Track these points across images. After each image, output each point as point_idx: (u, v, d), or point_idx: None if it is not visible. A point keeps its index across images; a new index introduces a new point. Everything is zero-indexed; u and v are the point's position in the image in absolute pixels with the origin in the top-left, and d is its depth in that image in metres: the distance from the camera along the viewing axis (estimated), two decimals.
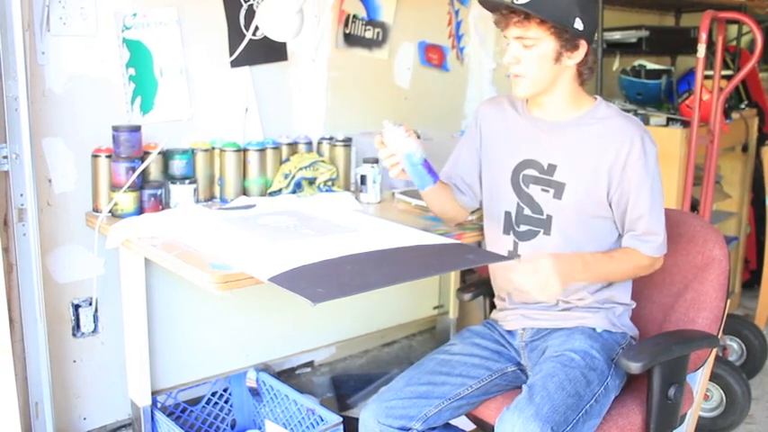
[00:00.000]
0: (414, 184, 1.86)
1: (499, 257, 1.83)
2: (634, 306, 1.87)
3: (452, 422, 1.82)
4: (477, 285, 2.09)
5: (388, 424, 1.69)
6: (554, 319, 1.81)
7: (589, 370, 1.66)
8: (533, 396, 1.56)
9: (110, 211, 2.01)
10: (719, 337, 1.83)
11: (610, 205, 1.75)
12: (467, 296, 2.08)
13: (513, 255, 1.83)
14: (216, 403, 2.32)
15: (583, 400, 1.59)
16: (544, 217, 1.78)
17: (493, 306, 2.00)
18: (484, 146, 1.91)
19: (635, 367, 1.59)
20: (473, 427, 1.88)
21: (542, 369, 1.67)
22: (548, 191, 1.77)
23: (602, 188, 1.73)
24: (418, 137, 1.81)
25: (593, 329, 1.78)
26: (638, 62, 3.39)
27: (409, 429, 1.70)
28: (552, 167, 1.76)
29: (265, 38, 2.27)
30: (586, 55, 1.71)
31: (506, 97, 1.90)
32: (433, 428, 1.74)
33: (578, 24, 1.65)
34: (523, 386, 1.62)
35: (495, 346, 1.87)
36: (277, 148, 2.36)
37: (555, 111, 1.78)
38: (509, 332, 1.89)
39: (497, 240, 1.87)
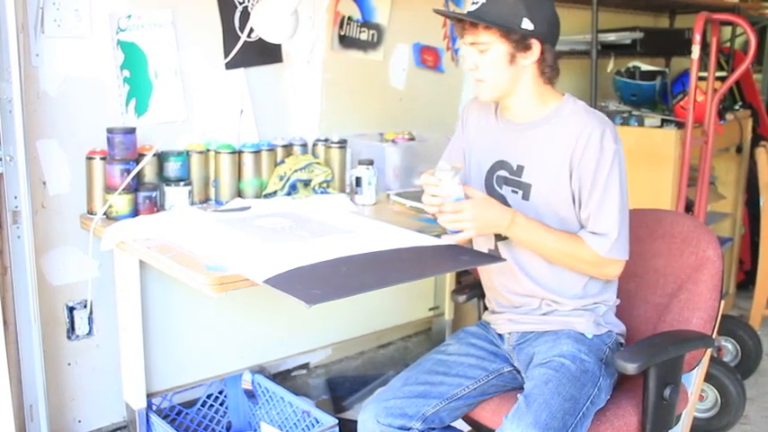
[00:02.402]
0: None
1: (494, 259, 1.83)
2: (618, 303, 1.86)
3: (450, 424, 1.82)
4: (472, 287, 2.09)
5: (388, 423, 1.69)
6: (537, 323, 1.81)
7: (581, 373, 1.66)
8: (530, 404, 1.56)
9: (104, 214, 2.01)
10: (714, 337, 1.84)
11: (574, 203, 1.74)
12: (461, 298, 2.08)
13: (495, 253, 1.82)
14: (211, 405, 2.32)
15: (579, 403, 1.60)
16: None
17: (486, 308, 2.00)
18: (468, 144, 1.91)
19: (631, 368, 1.58)
20: (469, 429, 1.88)
21: (535, 377, 1.67)
22: (517, 192, 1.77)
23: (564, 187, 1.71)
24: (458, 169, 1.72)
25: (580, 333, 1.77)
26: (632, 63, 3.40)
27: (409, 429, 1.70)
28: (521, 168, 1.77)
29: (260, 39, 2.28)
30: (542, 53, 1.70)
31: None
32: (433, 429, 1.75)
33: (527, 24, 1.66)
34: (519, 396, 1.62)
35: (490, 347, 1.88)
36: (272, 149, 2.36)
37: (521, 111, 1.78)
38: (499, 335, 1.90)
39: (479, 239, 1.87)
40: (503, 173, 1.80)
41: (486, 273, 1.90)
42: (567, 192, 1.72)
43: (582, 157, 1.68)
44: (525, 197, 1.76)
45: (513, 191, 1.78)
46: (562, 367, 1.66)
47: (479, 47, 1.69)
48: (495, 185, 1.81)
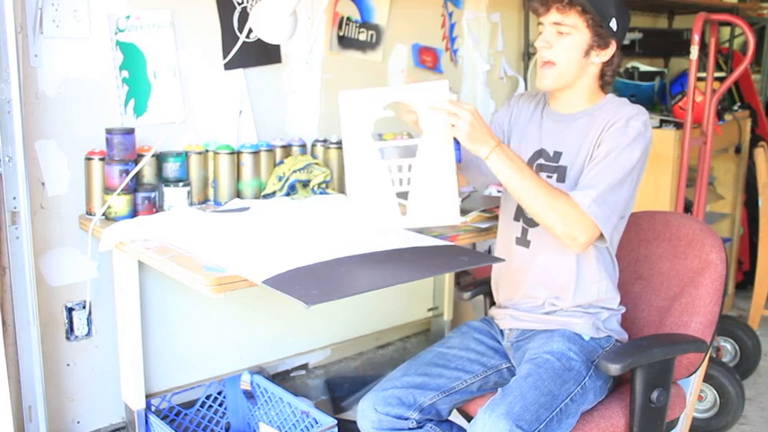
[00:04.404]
0: None
1: (492, 259, 1.84)
2: (623, 311, 1.85)
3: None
4: (477, 284, 2.09)
5: (386, 412, 1.71)
6: (538, 322, 1.81)
7: (564, 370, 1.66)
8: (506, 396, 1.58)
9: (103, 214, 2.01)
10: (712, 339, 1.83)
11: None
12: (466, 294, 2.09)
13: (522, 241, 1.83)
14: (210, 406, 2.32)
15: (557, 398, 1.60)
16: None
17: (492, 303, 2.01)
18: (512, 128, 1.92)
19: (613, 369, 1.58)
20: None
21: (520, 371, 1.68)
22: (552, 176, 1.78)
23: None
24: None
25: (576, 334, 1.77)
26: (631, 64, 3.40)
27: (406, 419, 1.72)
28: (558, 154, 1.79)
29: (259, 40, 2.28)
30: (613, 56, 1.74)
31: (541, 92, 1.91)
32: (430, 420, 1.76)
33: (614, 24, 1.69)
34: (499, 389, 1.64)
35: (491, 343, 1.89)
36: (271, 150, 2.36)
37: (568, 104, 1.80)
38: (501, 331, 1.90)
39: (508, 227, 1.88)
40: (540, 161, 1.82)
41: (507, 263, 1.87)
42: None
43: (607, 131, 1.69)
44: (560, 179, 1.77)
45: (548, 176, 1.78)
46: (546, 363, 1.67)
47: (562, 28, 1.69)
48: None
